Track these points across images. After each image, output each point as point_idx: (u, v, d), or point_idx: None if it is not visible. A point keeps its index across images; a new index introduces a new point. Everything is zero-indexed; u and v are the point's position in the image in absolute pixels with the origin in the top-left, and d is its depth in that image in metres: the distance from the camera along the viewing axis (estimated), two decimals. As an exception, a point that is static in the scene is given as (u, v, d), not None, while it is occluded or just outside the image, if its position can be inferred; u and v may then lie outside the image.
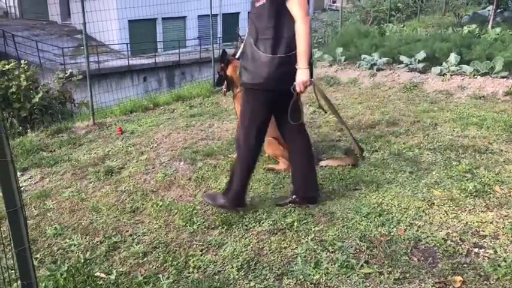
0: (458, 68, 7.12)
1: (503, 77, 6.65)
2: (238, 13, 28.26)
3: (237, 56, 3.75)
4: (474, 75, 6.88)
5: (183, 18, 26.38)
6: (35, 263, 2.89)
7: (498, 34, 8.92)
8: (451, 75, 7.07)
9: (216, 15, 24.99)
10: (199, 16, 24.42)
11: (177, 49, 23.25)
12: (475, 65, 6.97)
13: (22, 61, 8.08)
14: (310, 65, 3.08)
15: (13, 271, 2.38)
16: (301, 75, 3.03)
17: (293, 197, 3.41)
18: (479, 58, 7.16)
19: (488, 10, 13.10)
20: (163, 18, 25.57)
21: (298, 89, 3.08)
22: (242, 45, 3.34)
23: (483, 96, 6.31)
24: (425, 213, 3.19)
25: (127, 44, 22.49)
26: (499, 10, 12.55)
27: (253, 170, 3.44)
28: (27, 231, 1.94)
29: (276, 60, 3.04)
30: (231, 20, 26.80)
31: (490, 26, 10.90)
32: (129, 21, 22.80)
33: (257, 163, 3.49)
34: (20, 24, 24.77)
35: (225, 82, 4.33)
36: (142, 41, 23.89)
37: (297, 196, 3.40)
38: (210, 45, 9.18)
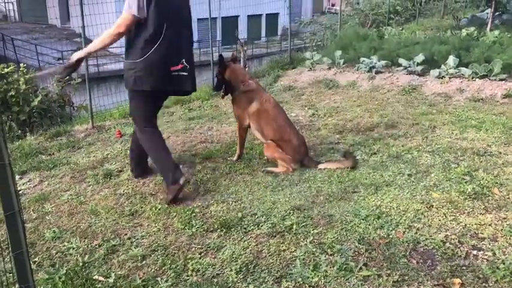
0: (457, 71, 7.13)
1: (501, 80, 6.67)
2: (237, 16, 28.33)
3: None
4: (473, 78, 6.90)
5: (182, 21, 26.36)
6: (33, 266, 2.89)
7: (496, 37, 8.94)
8: (449, 77, 7.09)
9: (215, 18, 25.03)
10: (198, 19, 24.38)
11: (176, 52, 23.21)
12: (473, 67, 6.99)
13: (21, 64, 8.07)
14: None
15: (11, 274, 2.38)
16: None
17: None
18: (477, 61, 7.17)
19: (487, 13, 13.12)
20: (162, 22, 25.55)
21: None
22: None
23: (482, 99, 6.32)
24: (424, 216, 3.19)
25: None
26: (497, 13, 12.57)
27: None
28: (25, 234, 1.94)
29: None
30: (230, 23, 26.86)
31: (488, 29, 10.92)
32: (129, 24, 22.80)
33: (256, 166, 3.49)
34: (19, 27, 24.79)
35: (224, 86, 4.36)
36: (142, 44, 23.86)
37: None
38: (209, 49, 9.18)
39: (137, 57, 3.63)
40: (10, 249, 1.91)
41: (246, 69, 9.46)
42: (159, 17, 3.52)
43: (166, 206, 3.61)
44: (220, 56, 4.38)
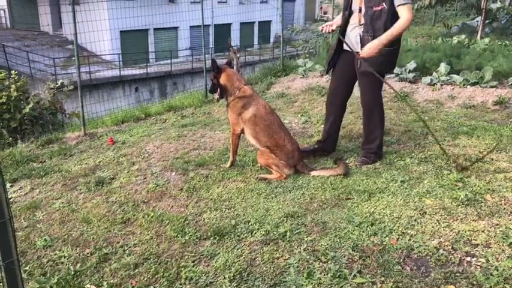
0: (448, 78, 7.18)
1: (492, 87, 6.72)
2: (230, 24, 28.42)
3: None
4: (464, 85, 6.95)
5: (175, 28, 26.51)
6: (24, 275, 2.86)
7: (487, 44, 9.04)
8: (441, 85, 7.14)
9: (208, 26, 25.10)
10: (191, 27, 24.55)
11: (169, 59, 23.31)
12: (464, 74, 7.05)
13: (12, 71, 8.04)
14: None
15: (1, 284, 2.34)
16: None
17: None
18: (468, 68, 7.24)
19: (477, 21, 13.28)
20: (155, 29, 25.66)
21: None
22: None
23: (473, 106, 6.37)
24: (418, 222, 3.19)
25: (119, 54, 22.52)
26: (487, 21, 12.72)
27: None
28: (16, 243, 1.92)
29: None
30: (222, 30, 26.94)
31: (479, 37, 11.03)
32: (121, 31, 22.87)
33: (249, 173, 3.48)
34: (11, 34, 24.72)
35: (218, 90, 4.37)
36: (134, 51, 23.95)
37: None
38: (202, 56, 9.20)
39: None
40: (0, 258, 1.88)
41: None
42: None
43: (159, 213, 3.59)
44: (213, 60, 4.39)
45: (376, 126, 4.40)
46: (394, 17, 3.95)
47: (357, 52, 4.12)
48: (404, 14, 3.92)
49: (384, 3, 3.94)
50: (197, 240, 3.17)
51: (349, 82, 4.50)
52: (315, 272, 2.70)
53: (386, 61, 4.15)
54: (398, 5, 3.93)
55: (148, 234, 3.29)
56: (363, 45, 4.09)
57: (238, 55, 10.75)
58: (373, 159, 4.40)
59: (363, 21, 4.10)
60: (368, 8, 4.04)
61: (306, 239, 3.06)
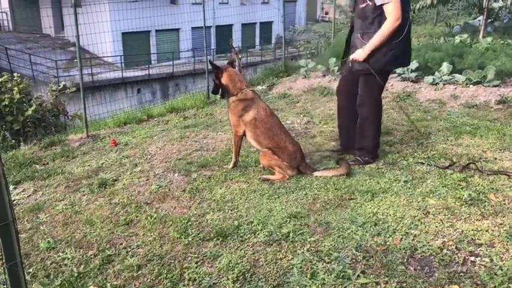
0: (451, 77, 7.17)
1: (495, 86, 6.70)
2: (231, 25, 28.47)
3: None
4: (466, 84, 6.93)
5: (177, 30, 26.54)
6: (28, 277, 2.86)
7: (489, 43, 9.01)
8: (443, 84, 7.12)
9: (210, 27, 25.12)
10: (193, 28, 24.56)
11: (170, 61, 23.34)
12: (467, 74, 7.03)
13: (15, 74, 8.05)
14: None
15: (5, 286, 2.35)
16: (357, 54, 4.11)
17: None
18: (471, 67, 7.22)
19: (479, 20, 13.25)
20: (157, 30, 25.71)
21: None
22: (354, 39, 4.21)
23: (476, 105, 6.35)
24: (421, 222, 3.18)
25: (121, 56, 22.56)
26: (489, 20, 12.69)
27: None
28: (19, 245, 1.92)
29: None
30: (224, 31, 26.98)
31: (481, 36, 11.00)
32: (123, 33, 22.92)
33: (252, 173, 3.48)
34: (13, 37, 24.80)
35: (220, 90, 4.38)
36: (136, 53, 24.00)
37: None
38: (204, 57, 9.20)
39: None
40: (4, 260, 1.88)
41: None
42: None
43: (162, 215, 3.59)
44: (211, 62, 4.41)
45: (370, 127, 4.35)
46: (383, 15, 3.90)
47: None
48: (389, 14, 3.84)
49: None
50: (200, 241, 3.17)
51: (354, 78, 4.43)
52: (318, 273, 2.69)
53: (383, 57, 4.03)
54: (381, 4, 3.86)
55: (152, 236, 3.29)
56: (354, 46, 4.13)
57: (240, 56, 10.76)
58: (367, 159, 4.37)
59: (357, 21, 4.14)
60: (356, 6, 4.07)
61: (309, 240, 3.05)
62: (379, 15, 3.92)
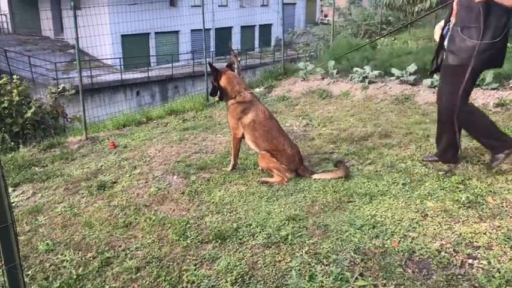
0: (449, 80, 7.17)
1: (493, 89, 6.71)
2: (230, 27, 28.51)
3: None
4: (465, 87, 6.93)
5: (176, 32, 26.56)
6: (26, 279, 2.86)
7: (488, 47, 9.01)
8: (442, 87, 7.13)
9: (209, 29, 25.14)
10: (192, 30, 24.60)
11: (170, 63, 23.36)
12: (465, 77, 7.03)
13: (14, 76, 8.07)
14: None
15: (4, 288, 2.35)
16: None
17: None
18: (469, 70, 7.22)
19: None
20: (156, 33, 25.73)
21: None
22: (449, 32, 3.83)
23: (474, 108, 6.35)
24: (419, 225, 3.19)
25: (120, 58, 22.56)
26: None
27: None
28: (18, 247, 1.92)
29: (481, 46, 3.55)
30: (223, 34, 27.02)
31: (479, 39, 11.02)
32: (122, 35, 22.92)
33: (251, 176, 3.49)
34: (13, 39, 24.80)
35: (219, 92, 4.39)
36: (135, 55, 23.99)
37: None
38: (203, 59, 9.22)
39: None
40: (3, 262, 1.89)
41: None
42: None
43: (161, 217, 3.59)
44: (210, 63, 4.43)
45: (445, 131, 4.05)
46: (489, 10, 3.46)
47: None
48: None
49: None
50: (199, 243, 3.18)
51: None
52: (316, 275, 2.70)
53: (480, 55, 3.60)
54: None
55: (150, 238, 3.30)
56: (451, 39, 3.76)
57: (239, 58, 10.78)
58: (436, 161, 4.23)
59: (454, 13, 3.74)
60: None
61: (307, 242, 3.06)
62: (487, 10, 3.48)
